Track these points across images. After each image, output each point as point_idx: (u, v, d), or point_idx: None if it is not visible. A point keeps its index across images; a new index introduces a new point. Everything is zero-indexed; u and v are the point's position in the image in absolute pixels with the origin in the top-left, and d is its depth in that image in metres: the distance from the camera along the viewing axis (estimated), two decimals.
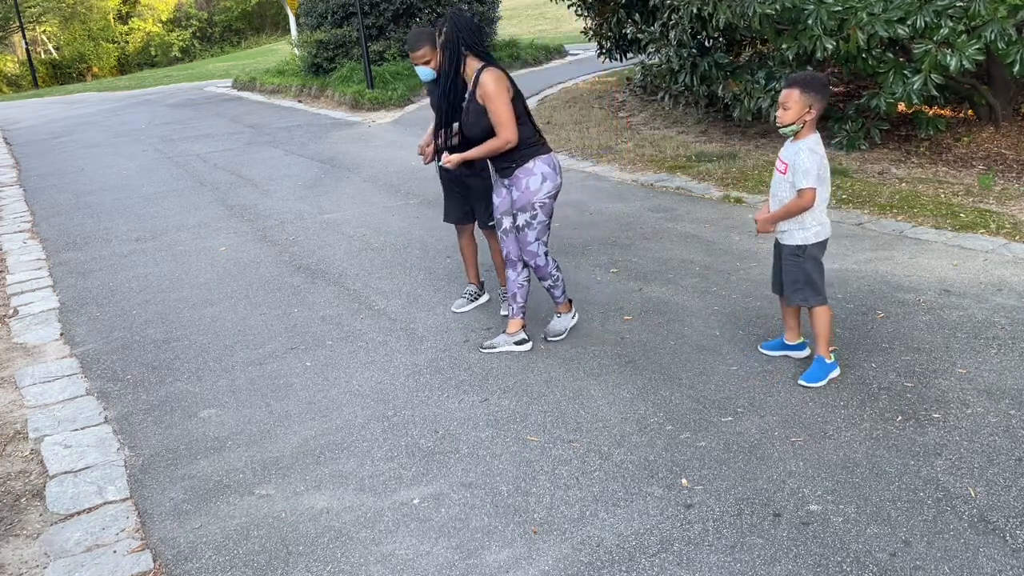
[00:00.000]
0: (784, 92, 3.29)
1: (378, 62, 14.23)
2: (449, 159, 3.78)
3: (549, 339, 4.04)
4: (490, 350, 4.00)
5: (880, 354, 3.68)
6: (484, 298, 4.64)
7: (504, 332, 4.04)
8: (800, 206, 3.32)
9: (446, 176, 4.34)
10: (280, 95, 15.57)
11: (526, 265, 3.95)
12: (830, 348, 3.73)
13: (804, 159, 3.28)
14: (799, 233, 3.40)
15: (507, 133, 3.61)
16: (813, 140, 3.33)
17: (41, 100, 19.97)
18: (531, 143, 3.72)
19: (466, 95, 3.74)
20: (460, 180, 4.29)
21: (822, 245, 3.43)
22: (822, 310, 3.45)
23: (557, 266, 3.99)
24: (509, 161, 3.73)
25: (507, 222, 3.90)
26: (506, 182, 3.82)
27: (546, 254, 3.89)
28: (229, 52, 35.28)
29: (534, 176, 3.71)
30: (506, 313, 4.25)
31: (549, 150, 3.79)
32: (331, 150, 9.66)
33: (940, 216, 5.52)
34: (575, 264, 5.13)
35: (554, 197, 3.79)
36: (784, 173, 3.37)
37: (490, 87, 3.59)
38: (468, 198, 4.35)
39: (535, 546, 2.61)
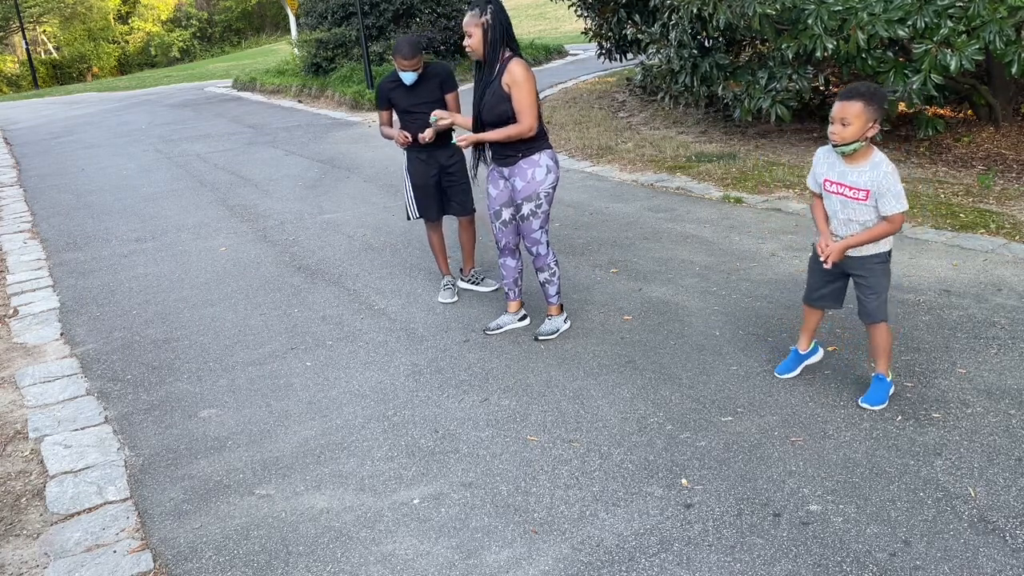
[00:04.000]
0: (841, 105, 2.91)
1: (378, 62, 14.23)
2: (464, 138, 3.86)
3: (539, 338, 4.07)
4: (497, 330, 4.20)
5: None
6: (460, 283, 4.92)
7: (507, 312, 4.26)
8: (893, 230, 3.04)
9: (424, 173, 4.56)
10: (280, 95, 15.57)
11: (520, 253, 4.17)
12: (830, 348, 3.73)
13: (894, 182, 2.95)
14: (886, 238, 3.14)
15: (530, 120, 3.70)
16: (885, 157, 3.00)
17: (41, 100, 19.97)
18: (541, 137, 3.85)
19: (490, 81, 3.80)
20: (439, 175, 4.57)
21: None
22: (887, 324, 3.23)
23: (556, 261, 4.07)
24: (516, 151, 3.82)
25: (506, 214, 4.02)
26: (506, 172, 3.91)
27: (547, 243, 3.99)
28: (229, 52, 35.29)
29: (540, 167, 3.83)
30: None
31: (551, 146, 3.93)
32: (331, 150, 9.66)
33: (940, 216, 5.52)
34: (575, 264, 5.13)
35: (555, 188, 3.93)
36: (865, 200, 3.01)
37: (521, 74, 3.67)
38: (447, 190, 4.63)
39: (535, 546, 2.61)
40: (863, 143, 2.94)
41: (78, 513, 2.95)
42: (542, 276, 4.07)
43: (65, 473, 3.21)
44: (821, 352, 3.59)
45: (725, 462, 2.97)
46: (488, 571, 2.51)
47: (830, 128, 2.98)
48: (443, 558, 2.59)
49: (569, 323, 4.19)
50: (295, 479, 3.07)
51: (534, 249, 3.99)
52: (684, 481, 2.88)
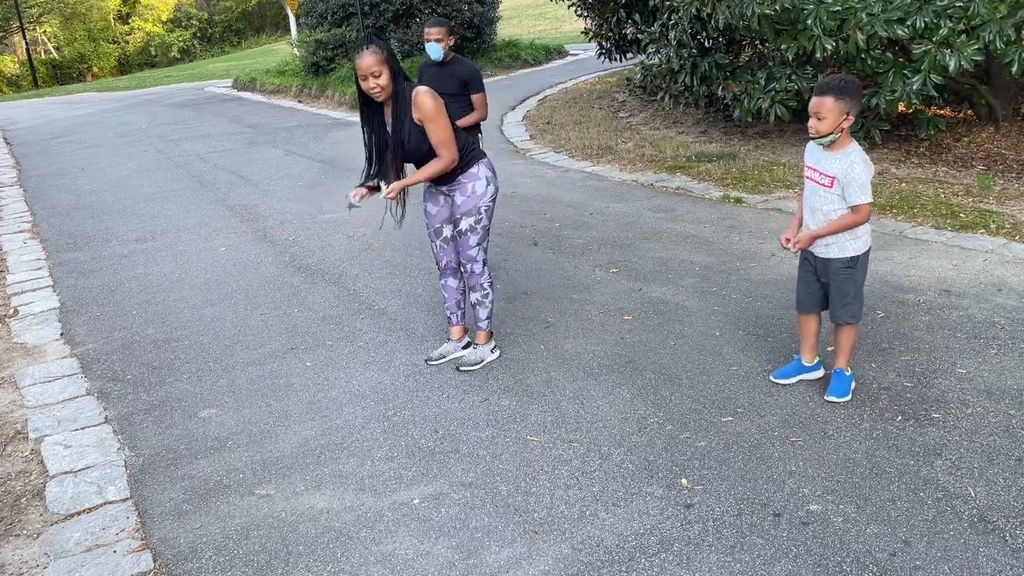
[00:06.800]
0: (816, 100, 3.03)
1: None
2: (391, 189, 3.54)
3: (461, 369, 3.82)
4: (440, 360, 3.93)
5: (880, 354, 3.68)
6: None
7: (450, 339, 4.01)
8: (857, 221, 3.10)
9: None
10: (280, 95, 15.57)
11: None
12: (829, 348, 3.73)
13: (860, 172, 3.04)
14: (852, 244, 3.18)
15: (451, 154, 3.50)
16: (858, 149, 3.10)
17: (41, 100, 19.97)
18: (470, 149, 3.65)
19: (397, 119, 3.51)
20: None
21: (869, 252, 3.26)
22: (853, 328, 3.29)
23: (492, 284, 3.87)
24: (453, 169, 3.61)
25: (448, 231, 3.82)
26: (445, 189, 3.72)
27: (484, 262, 3.80)
28: (229, 52, 35.29)
29: (480, 180, 3.65)
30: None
31: (484, 154, 3.74)
32: (331, 150, 9.65)
33: (940, 216, 5.52)
34: (575, 264, 5.13)
35: (495, 201, 3.75)
36: (831, 187, 3.11)
37: (431, 107, 3.42)
38: None
39: (535, 546, 2.61)
40: (838, 134, 3.07)
41: (78, 513, 2.95)
42: (474, 296, 3.85)
43: (65, 473, 3.21)
44: (822, 371, 3.51)
45: (725, 462, 2.97)
46: (488, 571, 2.51)
47: (809, 122, 3.11)
48: (443, 558, 2.59)
49: (498, 353, 3.93)
50: (295, 479, 3.07)
51: (469, 267, 3.77)
52: (684, 481, 2.88)
